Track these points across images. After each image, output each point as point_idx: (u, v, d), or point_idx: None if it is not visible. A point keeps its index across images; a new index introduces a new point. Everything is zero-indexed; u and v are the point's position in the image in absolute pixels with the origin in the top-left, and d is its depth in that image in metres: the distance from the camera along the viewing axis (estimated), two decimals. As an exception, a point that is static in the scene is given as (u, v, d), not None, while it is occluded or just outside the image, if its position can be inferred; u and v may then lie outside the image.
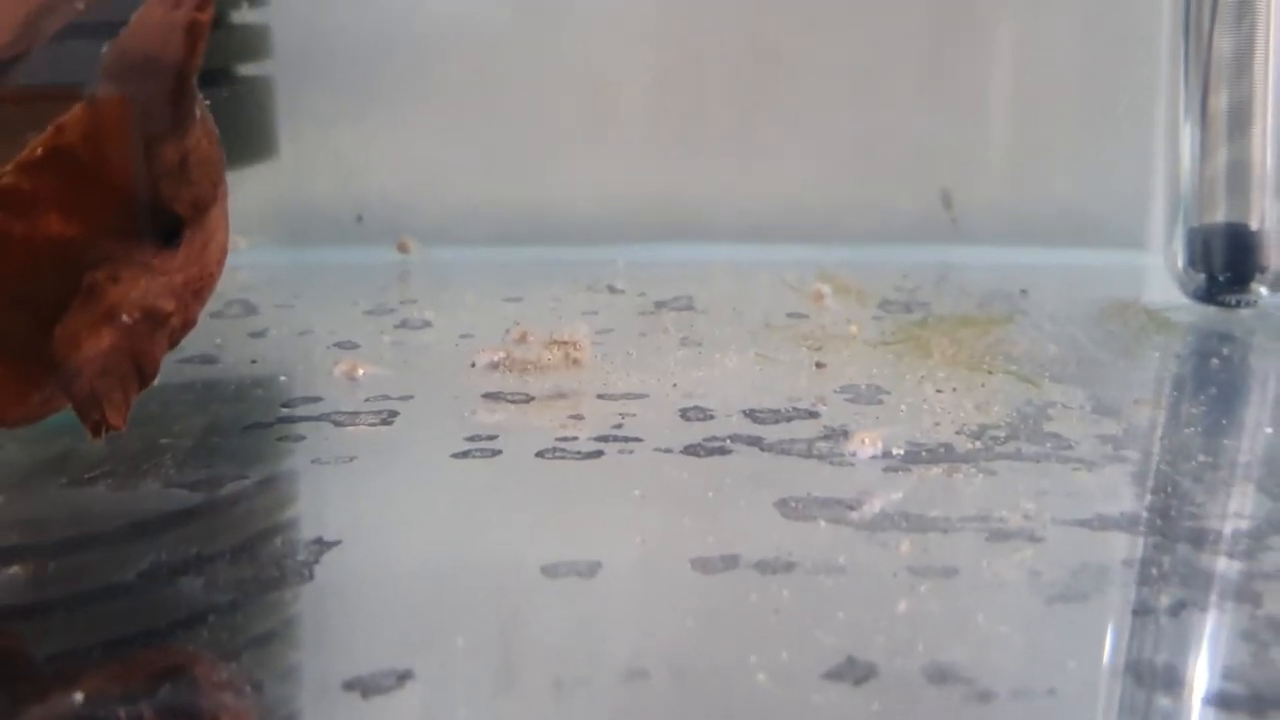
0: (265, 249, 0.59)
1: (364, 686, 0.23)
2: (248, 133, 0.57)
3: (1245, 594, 0.27)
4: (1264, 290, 0.46)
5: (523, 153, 0.62)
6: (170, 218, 0.29)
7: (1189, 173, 0.46)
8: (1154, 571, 0.28)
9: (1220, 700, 0.23)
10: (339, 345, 0.44)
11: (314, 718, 0.23)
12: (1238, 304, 0.46)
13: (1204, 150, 0.46)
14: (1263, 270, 0.45)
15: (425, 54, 0.61)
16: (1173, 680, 0.23)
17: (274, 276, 0.56)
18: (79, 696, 0.23)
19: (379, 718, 0.23)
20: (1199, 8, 0.46)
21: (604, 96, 0.62)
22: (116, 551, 0.29)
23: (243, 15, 0.56)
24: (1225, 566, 0.28)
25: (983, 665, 0.24)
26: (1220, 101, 0.45)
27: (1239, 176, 0.45)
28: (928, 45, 0.61)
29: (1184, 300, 0.48)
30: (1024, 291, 0.51)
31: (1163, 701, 0.23)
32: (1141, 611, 0.26)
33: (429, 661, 0.24)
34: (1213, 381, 0.40)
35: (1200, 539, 0.29)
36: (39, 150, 0.28)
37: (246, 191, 0.60)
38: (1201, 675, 0.24)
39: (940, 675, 0.24)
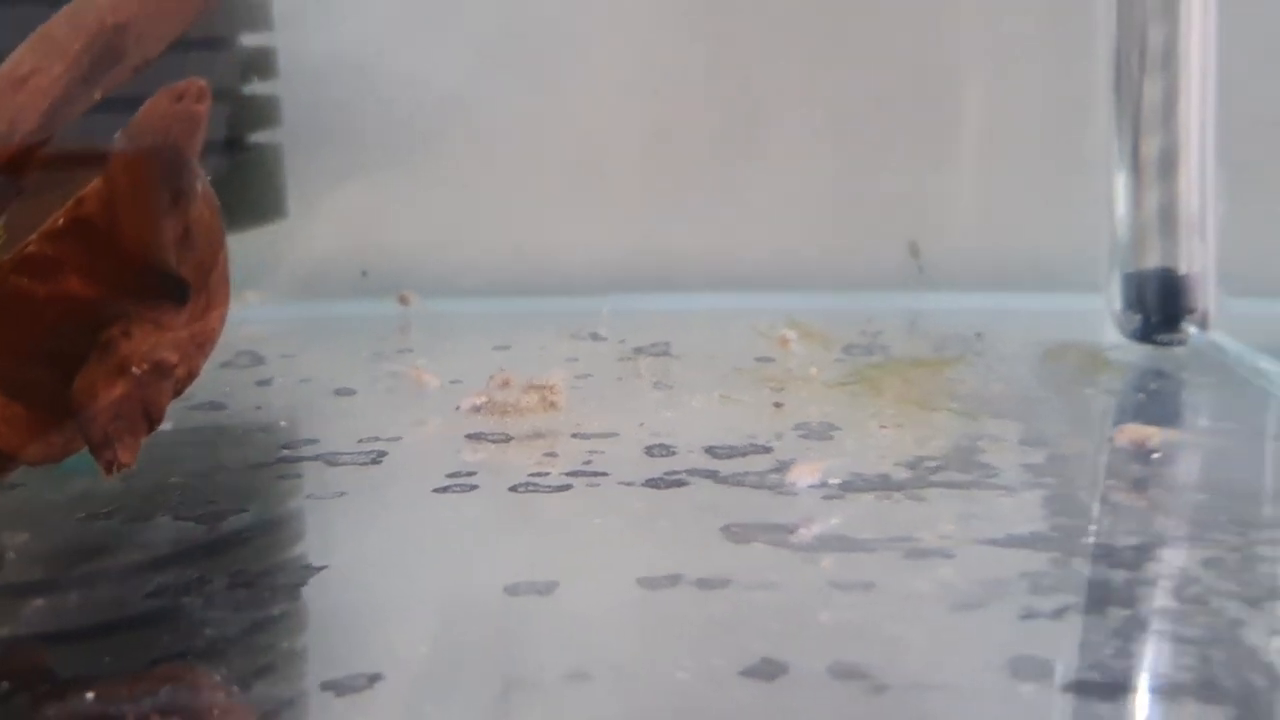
0: (275, 304, 0.63)
1: (338, 687, 0.27)
2: (258, 195, 0.62)
3: (1122, 599, 0.30)
4: (1193, 329, 0.49)
5: (517, 211, 0.66)
6: (177, 280, 0.33)
7: (1124, 218, 0.50)
8: (1046, 582, 0.31)
9: (1078, 688, 0.26)
10: (337, 392, 0.48)
11: (295, 713, 0.26)
12: (1169, 343, 0.49)
13: (1137, 196, 0.49)
14: (1191, 311, 0.49)
15: (425, 120, 0.66)
16: (1042, 672, 0.27)
17: (282, 329, 0.60)
18: (89, 696, 0.26)
19: (351, 713, 0.26)
20: (1129, 56, 0.50)
21: (593, 158, 0.66)
22: (128, 578, 0.33)
23: (254, 88, 0.61)
24: (1110, 576, 0.31)
25: (884, 664, 0.27)
26: (1152, 148, 0.49)
27: (1169, 222, 0.49)
28: (897, 106, 0.65)
29: (1124, 340, 0.51)
30: (979, 335, 0.54)
31: (1027, 690, 0.26)
32: (1028, 616, 0.29)
33: (396, 666, 0.28)
34: (1136, 414, 0.44)
35: (1093, 553, 0.32)
36: (61, 220, 0.32)
37: (259, 250, 0.64)
38: (1068, 667, 0.27)
39: (845, 672, 0.27)
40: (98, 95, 0.32)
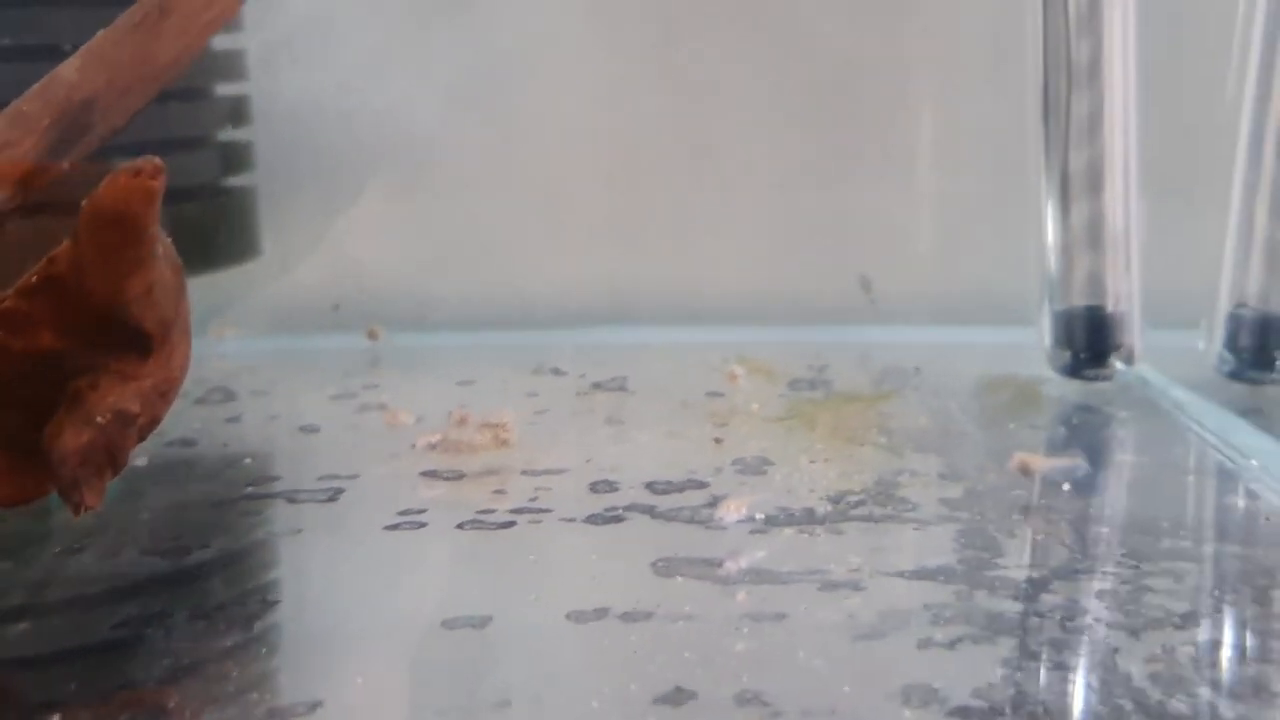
0: (250, 338, 0.66)
1: (282, 714, 0.29)
2: (234, 236, 0.64)
3: (1015, 630, 0.32)
4: (1119, 364, 0.52)
5: (485, 247, 0.69)
6: (141, 335, 0.35)
7: (1053, 249, 0.52)
8: (947, 613, 0.33)
9: (961, 713, 0.28)
10: (303, 429, 0.51)
11: (241, 739, 0.29)
12: (1097, 378, 0.52)
13: (1065, 231, 0.52)
14: (1118, 347, 0.52)
15: (395, 160, 0.68)
16: (929, 699, 0.29)
17: (256, 363, 0.62)
18: (56, 718, 0.29)
19: (293, 738, 0.29)
20: (1056, 77, 0.52)
21: (559, 196, 0.69)
22: (96, 609, 0.35)
23: (229, 134, 0.63)
24: (1007, 608, 0.34)
25: (785, 691, 0.30)
26: (1079, 182, 0.51)
27: (1096, 257, 0.51)
28: (850, 143, 0.68)
29: (1054, 375, 0.54)
30: (917, 369, 0.56)
31: (912, 716, 0.28)
32: (925, 646, 0.32)
33: (336, 694, 0.30)
34: (1058, 447, 0.46)
35: (994, 585, 0.35)
36: (34, 278, 0.35)
37: (235, 287, 0.67)
38: (954, 694, 0.29)
39: (747, 699, 0.29)
40: (66, 164, 0.34)
